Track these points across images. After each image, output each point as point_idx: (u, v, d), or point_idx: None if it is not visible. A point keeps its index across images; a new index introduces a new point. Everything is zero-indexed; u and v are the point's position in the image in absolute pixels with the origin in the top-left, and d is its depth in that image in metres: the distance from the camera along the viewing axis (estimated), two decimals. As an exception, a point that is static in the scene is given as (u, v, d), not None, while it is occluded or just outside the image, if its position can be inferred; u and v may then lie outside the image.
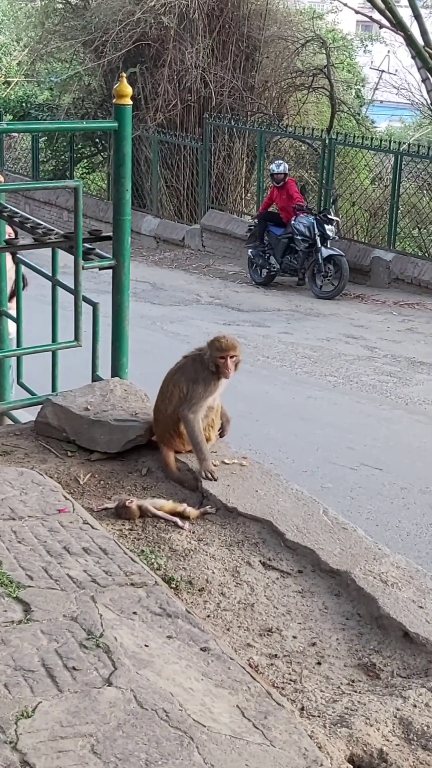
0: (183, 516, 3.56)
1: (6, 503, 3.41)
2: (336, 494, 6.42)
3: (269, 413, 8.14)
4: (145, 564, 3.13)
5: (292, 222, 13.30)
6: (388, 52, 21.94)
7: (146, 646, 2.59)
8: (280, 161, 14.08)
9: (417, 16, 14.50)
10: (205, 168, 16.41)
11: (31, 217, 4.65)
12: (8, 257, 5.67)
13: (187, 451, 3.90)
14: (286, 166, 13.88)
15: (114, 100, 4.39)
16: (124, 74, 4.51)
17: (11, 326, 5.42)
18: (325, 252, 12.98)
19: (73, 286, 4.41)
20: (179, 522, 3.52)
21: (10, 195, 16.14)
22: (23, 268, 5.11)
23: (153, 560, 3.25)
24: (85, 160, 20.23)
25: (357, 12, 17.09)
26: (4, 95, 20.44)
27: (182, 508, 3.60)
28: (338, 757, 2.37)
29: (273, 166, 14.01)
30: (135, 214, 12.37)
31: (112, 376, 4.62)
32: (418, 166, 14.32)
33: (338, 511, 3.70)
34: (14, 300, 5.19)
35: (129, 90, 4.34)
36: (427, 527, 6.09)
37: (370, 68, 22.69)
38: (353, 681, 2.72)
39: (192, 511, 3.58)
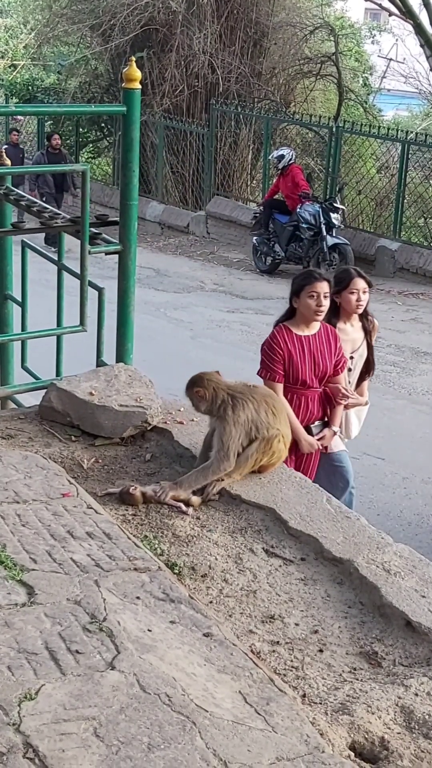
0: (186, 502, 3.56)
1: (10, 486, 3.42)
2: (338, 483, 6.41)
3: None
4: (148, 549, 3.13)
5: (298, 210, 13.24)
6: (396, 40, 21.82)
7: (149, 630, 2.60)
8: (281, 148, 14.01)
9: (426, 5, 14.45)
10: (211, 154, 16.35)
11: (38, 201, 4.65)
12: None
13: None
14: (291, 154, 13.74)
15: (122, 84, 4.36)
16: (133, 58, 4.48)
17: None
18: (330, 240, 12.91)
19: (78, 271, 4.41)
20: (183, 508, 3.53)
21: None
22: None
23: (156, 546, 3.25)
24: (91, 145, 20.16)
25: (366, -1, 17.02)
26: (10, 78, 20.34)
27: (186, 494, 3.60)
28: (340, 744, 2.37)
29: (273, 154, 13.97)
30: (140, 200, 12.28)
31: (117, 361, 4.62)
32: (425, 156, 14.25)
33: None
34: None
35: (138, 74, 4.31)
36: (429, 517, 6.09)
37: (378, 56, 22.57)
38: (355, 669, 2.73)
39: (195, 498, 3.59)
